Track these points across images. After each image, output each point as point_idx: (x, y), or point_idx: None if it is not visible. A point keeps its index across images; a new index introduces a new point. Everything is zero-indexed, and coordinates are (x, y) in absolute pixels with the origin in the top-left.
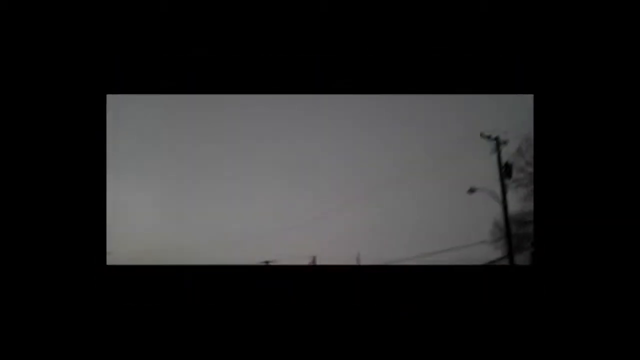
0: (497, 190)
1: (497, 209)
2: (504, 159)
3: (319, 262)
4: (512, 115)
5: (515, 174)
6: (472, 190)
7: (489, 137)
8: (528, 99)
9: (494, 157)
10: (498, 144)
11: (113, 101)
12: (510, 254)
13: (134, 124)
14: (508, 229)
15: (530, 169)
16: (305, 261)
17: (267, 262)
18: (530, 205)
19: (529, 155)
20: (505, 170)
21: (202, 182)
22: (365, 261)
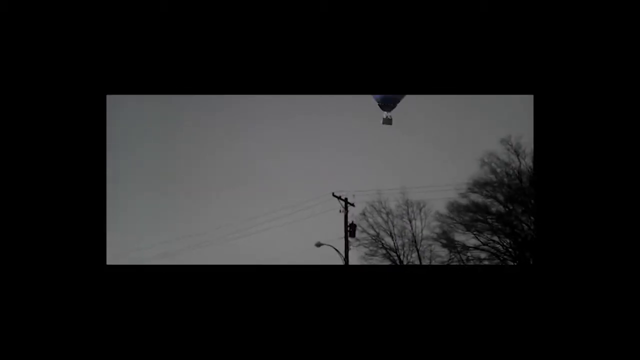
0: (342, 247)
1: (340, 263)
2: (350, 220)
3: None
4: None
5: (357, 234)
6: (319, 244)
7: (339, 198)
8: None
9: (342, 216)
10: (346, 205)
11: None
12: None
13: (133, 123)
14: None
15: (373, 232)
16: None
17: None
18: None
19: (372, 219)
20: (350, 230)
21: (201, 182)
22: None
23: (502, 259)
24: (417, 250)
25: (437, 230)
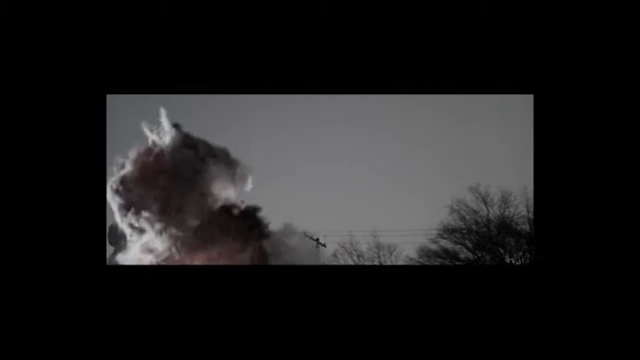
0: None
1: None
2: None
3: None
4: None
5: None
6: None
7: (311, 237)
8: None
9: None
10: (317, 245)
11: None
12: None
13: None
14: None
15: None
16: None
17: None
18: None
19: (343, 261)
20: None
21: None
22: None
23: None
24: None
25: None
